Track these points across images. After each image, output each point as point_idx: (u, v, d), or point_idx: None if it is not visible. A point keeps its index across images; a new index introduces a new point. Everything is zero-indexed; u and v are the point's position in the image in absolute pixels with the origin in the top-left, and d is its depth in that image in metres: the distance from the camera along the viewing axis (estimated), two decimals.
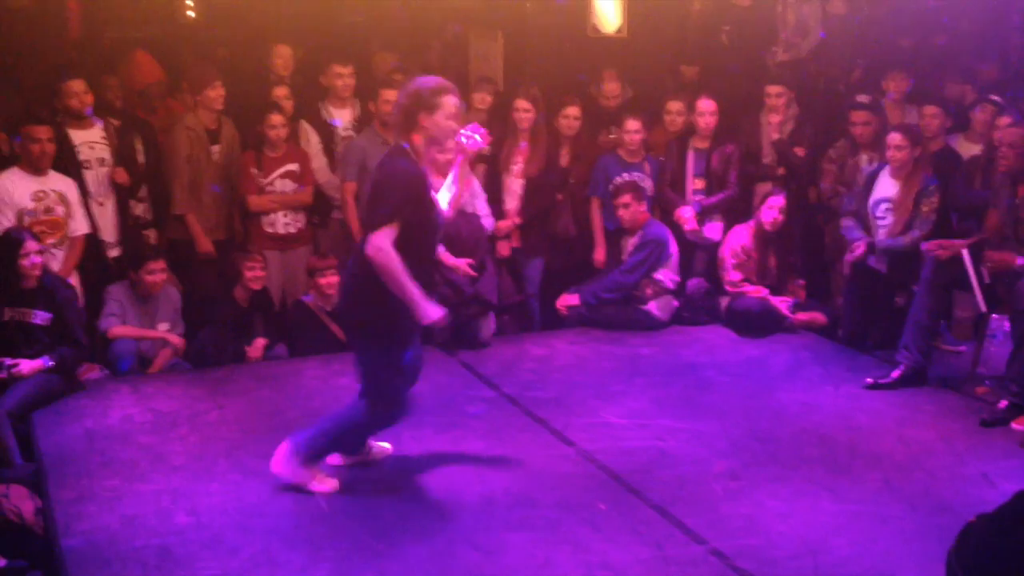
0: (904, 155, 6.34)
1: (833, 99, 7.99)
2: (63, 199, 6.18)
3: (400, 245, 4.15)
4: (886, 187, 6.47)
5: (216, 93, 6.82)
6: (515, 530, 4.21)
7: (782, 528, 4.29)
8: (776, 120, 7.32)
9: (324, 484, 4.54)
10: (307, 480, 4.50)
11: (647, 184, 7.30)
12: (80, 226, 6.27)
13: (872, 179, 6.56)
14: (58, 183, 6.19)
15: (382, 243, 4.11)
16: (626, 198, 6.97)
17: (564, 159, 7.44)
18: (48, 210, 6.13)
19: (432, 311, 4.19)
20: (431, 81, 4.36)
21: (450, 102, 4.28)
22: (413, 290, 4.15)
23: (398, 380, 4.45)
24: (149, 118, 7.15)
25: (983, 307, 5.80)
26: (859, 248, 6.49)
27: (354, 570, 3.94)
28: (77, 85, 6.41)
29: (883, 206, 6.45)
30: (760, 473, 4.81)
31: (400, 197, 4.16)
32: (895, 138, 6.39)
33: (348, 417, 4.55)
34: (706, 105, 7.23)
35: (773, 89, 7.41)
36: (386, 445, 4.89)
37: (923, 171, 6.40)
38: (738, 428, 5.34)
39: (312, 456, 4.51)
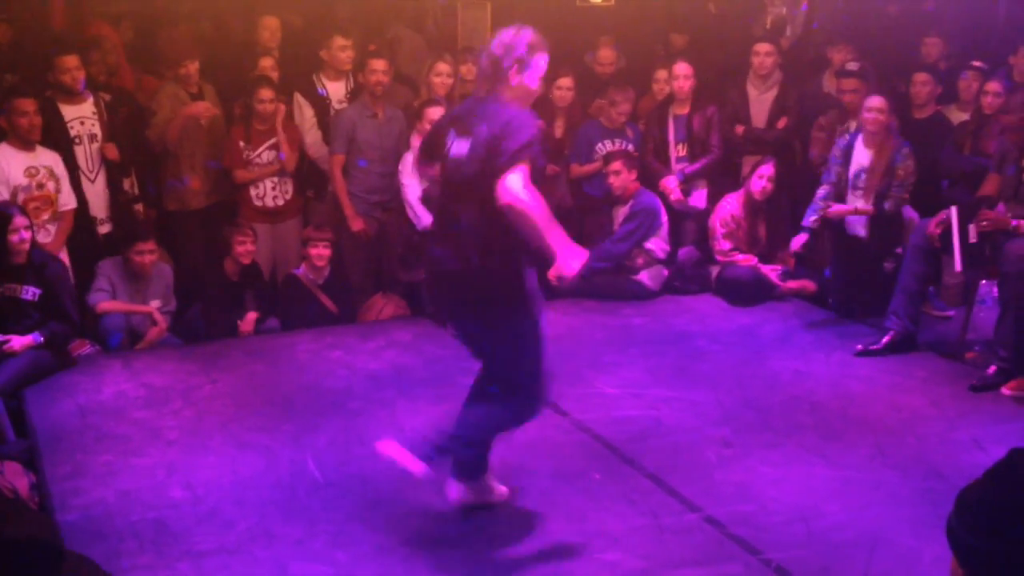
0: (883, 119, 6.32)
1: (817, 67, 7.99)
2: (52, 174, 6.15)
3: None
4: (861, 156, 6.46)
5: (189, 70, 6.85)
6: (510, 500, 4.22)
7: (775, 494, 4.32)
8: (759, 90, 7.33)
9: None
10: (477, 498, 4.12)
11: (629, 149, 7.31)
12: (69, 200, 6.24)
13: (848, 150, 6.53)
14: (46, 158, 6.15)
15: (515, 185, 3.50)
16: (617, 165, 6.95)
17: (558, 130, 7.42)
18: (40, 186, 6.10)
19: (574, 257, 3.66)
20: (528, 34, 3.77)
21: (542, 63, 3.79)
22: (559, 232, 3.63)
23: (539, 352, 3.83)
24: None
25: (959, 266, 5.80)
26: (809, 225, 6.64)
27: (350, 542, 3.96)
28: (70, 61, 6.35)
29: (863, 176, 6.45)
30: (753, 440, 4.84)
31: (526, 137, 3.59)
32: (876, 101, 6.35)
33: (484, 413, 3.95)
34: (681, 68, 7.21)
35: (762, 47, 7.39)
36: (504, 489, 4.26)
37: (894, 139, 6.40)
38: (731, 396, 5.37)
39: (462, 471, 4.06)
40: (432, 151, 4.08)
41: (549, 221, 3.59)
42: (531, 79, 3.79)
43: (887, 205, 6.34)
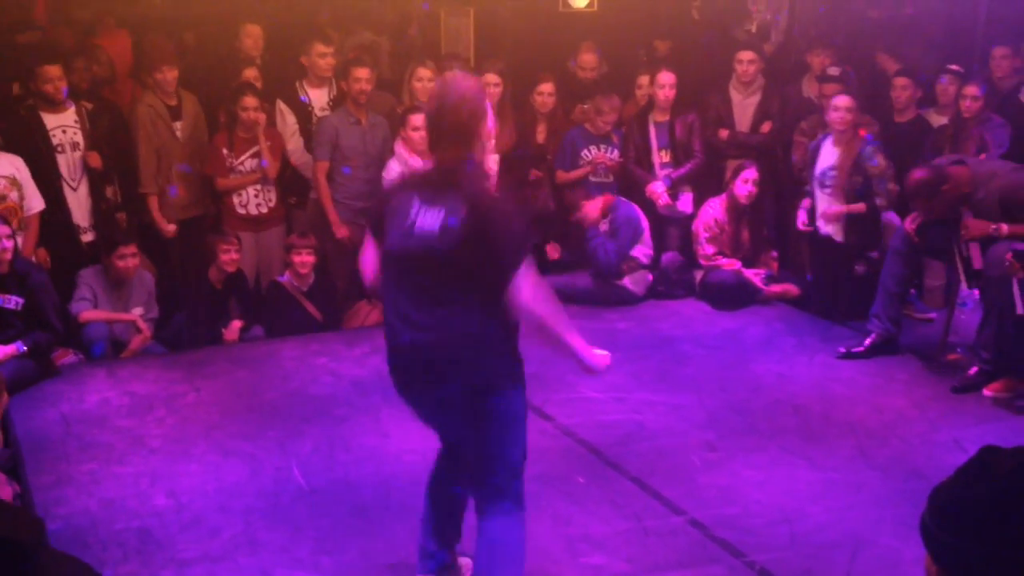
0: (850, 118, 6.37)
1: (797, 72, 8.03)
2: (14, 182, 6.04)
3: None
4: (829, 155, 6.52)
5: (166, 76, 6.74)
6: None
7: (759, 497, 4.35)
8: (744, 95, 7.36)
9: None
10: None
11: (614, 155, 7.34)
12: (34, 203, 6.14)
13: (815, 151, 6.60)
14: (6, 166, 6.04)
15: (528, 293, 3.14)
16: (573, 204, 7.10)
17: (541, 135, 7.45)
18: (2, 197, 6.04)
19: (600, 357, 3.45)
20: (472, 81, 3.42)
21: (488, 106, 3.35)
22: (576, 336, 3.35)
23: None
24: (117, 100, 7.10)
25: (967, 287, 5.86)
26: (802, 214, 6.71)
27: (336, 548, 3.96)
28: (53, 71, 6.29)
29: (830, 174, 6.51)
30: (737, 443, 4.86)
31: (521, 229, 3.20)
32: (843, 100, 6.40)
33: (500, 538, 3.37)
34: (665, 78, 7.23)
35: (745, 55, 7.41)
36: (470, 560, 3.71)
37: (860, 138, 6.45)
38: (714, 400, 5.39)
39: None
40: (381, 226, 3.36)
41: (566, 324, 3.32)
42: (490, 122, 3.34)
43: (879, 202, 6.37)
